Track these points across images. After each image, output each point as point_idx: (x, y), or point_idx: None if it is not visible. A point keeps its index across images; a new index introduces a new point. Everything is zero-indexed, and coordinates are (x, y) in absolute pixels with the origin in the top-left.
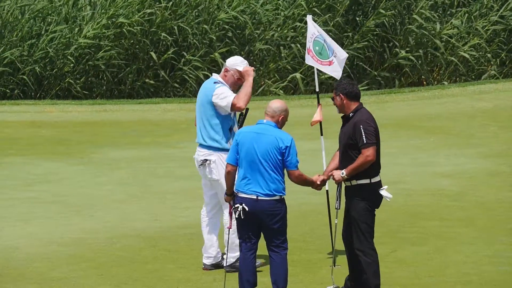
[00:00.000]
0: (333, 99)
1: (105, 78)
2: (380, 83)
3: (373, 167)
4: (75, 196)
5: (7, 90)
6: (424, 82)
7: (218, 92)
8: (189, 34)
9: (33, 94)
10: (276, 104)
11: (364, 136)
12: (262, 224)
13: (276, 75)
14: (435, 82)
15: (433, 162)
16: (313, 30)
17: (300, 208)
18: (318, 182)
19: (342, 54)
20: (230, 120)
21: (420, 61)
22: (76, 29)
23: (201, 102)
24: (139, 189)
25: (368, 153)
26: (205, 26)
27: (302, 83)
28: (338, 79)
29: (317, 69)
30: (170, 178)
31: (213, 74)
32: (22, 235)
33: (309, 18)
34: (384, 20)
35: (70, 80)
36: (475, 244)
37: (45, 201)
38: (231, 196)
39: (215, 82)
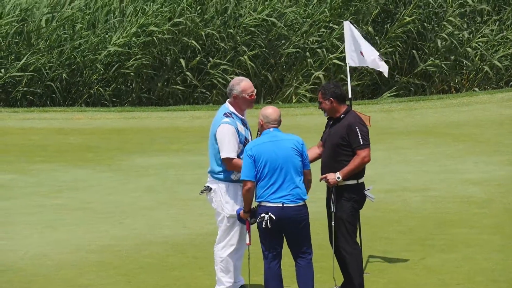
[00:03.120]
0: (320, 103)
1: (134, 86)
2: (410, 90)
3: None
4: (103, 203)
5: (34, 98)
6: (453, 90)
7: (220, 134)
8: (217, 39)
9: (61, 101)
10: (275, 113)
11: (360, 137)
12: (287, 231)
13: (302, 79)
14: (464, 89)
15: (461, 169)
16: (356, 33)
17: None
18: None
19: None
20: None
21: (449, 69)
22: (105, 36)
23: (211, 131)
24: (167, 196)
25: (364, 154)
26: (231, 31)
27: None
28: (386, 75)
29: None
30: (198, 185)
31: (227, 101)
32: (50, 242)
33: (346, 24)
34: (411, 28)
35: (99, 88)
36: (503, 251)
37: (73, 208)
38: (248, 213)
39: (224, 114)
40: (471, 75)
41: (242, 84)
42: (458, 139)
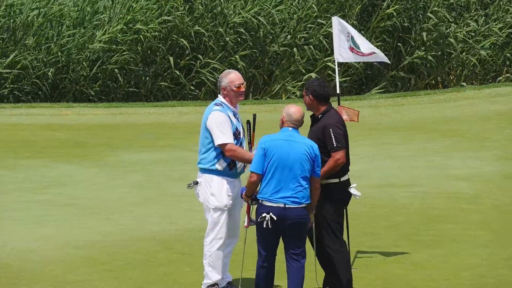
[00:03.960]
0: (303, 96)
1: (120, 82)
2: (397, 84)
3: (342, 167)
4: (91, 199)
5: (21, 95)
6: (440, 85)
7: (211, 121)
8: (205, 38)
9: (48, 98)
10: (299, 113)
11: (334, 140)
12: (285, 232)
13: (290, 76)
14: (452, 84)
15: (449, 165)
16: (346, 29)
17: None
18: None
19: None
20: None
21: (436, 61)
22: (90, 33)
23: (202, 120)
24: (155, 192)
25: (338, 156)
26: (220, 29)
27: None
28: (389, 62)
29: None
30: (185, 181)
31: (219, 94)
32: (37, 238)
33: (335, 19)
34: (397, 21)
35: (85, 84)
36: (490, 247)
37: (61, 203)
38: (250, 197)
39: (215, 104)
40: (458, 70)
41: (229, 76)
42: (446, 134)
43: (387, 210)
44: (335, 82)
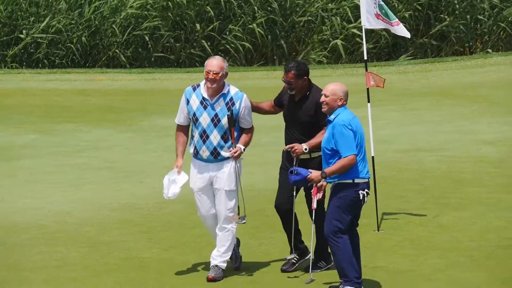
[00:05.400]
0: (290, 83)
1: (150, 48)
2: (426, 51)
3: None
4: (125, 163)
5: (56, 59)
6: (467, 52)
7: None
8: (234, 6)
9: (81, 63)
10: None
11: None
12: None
13: (318, 46)
14: (478, 50)
15: (476, 130)
16: (378, 1)
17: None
18: None
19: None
20: (197, 127)
21: (466, 28)
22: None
23: None
24: (186, 156)
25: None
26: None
27: (343, 51)
28: (409, 37)
29: (385, 32)
30: None
31: None
32: (73, 200)
33: None
34: None
35: (117, 50)
36: None
37: (95, 167)
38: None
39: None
40: (485, 36)
41: (207, 61)
42: (473, 100)
43: (415, 174)
44: (363, 48)
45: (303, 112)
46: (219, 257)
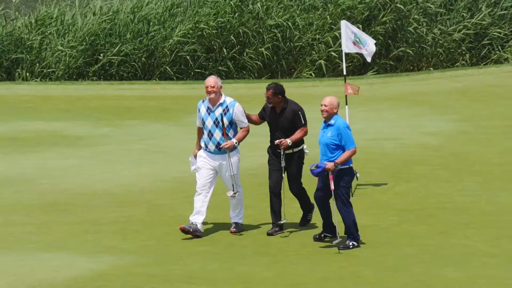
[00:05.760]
0: (268, 98)
1: (191, 66)
2: (386, 69)
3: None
4: (172, 148)
5: (124, 74)
6: (416, 69)
7: None
8: (249, 36)
9: (142, 77)
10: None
11: (302, 119)
12: None
13: (308, 64)
14: (424, 68)
15: (422, 125)
16: (351, 29)
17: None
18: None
19: (372, 47)
20: (204, 126)
21: (414, 53)
22: (169, 30)
23: None
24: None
25: (306, 129)
26: (260, 30)
27: (325, 68)
28: (369, 61)
29: (357, 54)
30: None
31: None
32: (136, 175)
33: (343, 22)
34: (389, 26)
35: (167, 67)
36: (450, 181)
37: (152, 151)
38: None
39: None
40: (428, 59)
41: (206, 80)
42: (420, 104)
43: (378, 156)
44: (342, 66)
45: (283, 120)
46: (236, 216)
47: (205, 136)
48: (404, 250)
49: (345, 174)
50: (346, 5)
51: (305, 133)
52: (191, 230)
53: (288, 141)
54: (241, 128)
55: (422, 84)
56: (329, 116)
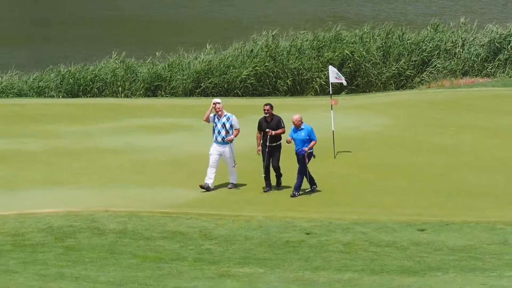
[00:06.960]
0: (267, 111)
1: (239, 94)
2: (352, 90)
3: (282, 137)
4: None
5: (214, 93)
6: (374, 91)
7: None
8: (279, 77)
9: (223, 94)
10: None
11: (282, 123)
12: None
13: (309, 89)
14: (381, 90)
15: (370, 121)
16: (334, 70)
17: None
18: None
19: (344, 81)
20: (215, 127)
21: (374, 83)
22: (241, 69)
23: None
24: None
25: (284, 129)
26: (285, 69)
27: (319, 90)
28: (346, 85)
29: (337, 83)
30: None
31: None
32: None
33: (330, 67)
34: (353, 68)
35: (238, 91)
36: (383, 151)
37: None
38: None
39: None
40: (383, 85)
41: (213, 99)
42: (369, 109)
43: (345, 136)
44: (329, 90)
45: (272, 124)
46: (232, 178)
47: (215, 133)
48: (353, 191)
49: (310, 154)
50: (329, 57)
51: (283, 132)
52: (205, 186)
53: (273, 132)
54: (235, 130)
55: (370, 99)
56: (299, 125)
